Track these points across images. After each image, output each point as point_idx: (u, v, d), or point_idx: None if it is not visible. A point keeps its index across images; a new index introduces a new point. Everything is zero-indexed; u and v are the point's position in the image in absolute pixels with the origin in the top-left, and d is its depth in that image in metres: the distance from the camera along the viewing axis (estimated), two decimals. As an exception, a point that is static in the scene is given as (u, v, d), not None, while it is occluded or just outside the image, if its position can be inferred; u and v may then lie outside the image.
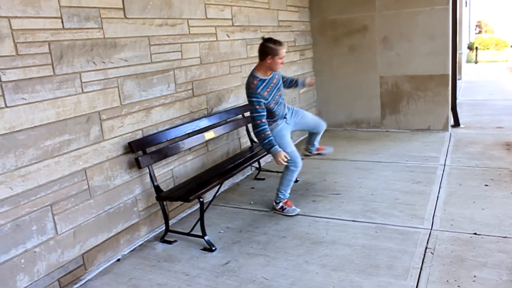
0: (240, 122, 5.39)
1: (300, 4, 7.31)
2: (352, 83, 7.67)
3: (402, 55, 7.29)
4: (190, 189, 3.97)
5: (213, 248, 3.82)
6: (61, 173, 3.34)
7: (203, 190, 3.85)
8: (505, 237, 3.62)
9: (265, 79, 4.12)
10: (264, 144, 4.11)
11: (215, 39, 5.07)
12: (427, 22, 6.98)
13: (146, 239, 4.17)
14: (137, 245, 4.07)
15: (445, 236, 3.72)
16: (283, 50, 4.05)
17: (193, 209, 4.73)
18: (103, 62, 3.65)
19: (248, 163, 4.77)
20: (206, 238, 3.89)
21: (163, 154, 4.15)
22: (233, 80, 5.44)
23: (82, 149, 3.51)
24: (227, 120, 5.22)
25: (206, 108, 4.97)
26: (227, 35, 5.29)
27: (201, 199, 3.82)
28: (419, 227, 3.91)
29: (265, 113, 4.09)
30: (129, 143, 3.85)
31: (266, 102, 4.09)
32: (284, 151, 4.10)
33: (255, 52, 5.80)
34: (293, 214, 4.40)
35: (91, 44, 3.52)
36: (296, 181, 5.33)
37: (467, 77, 15.67)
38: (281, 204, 4.47)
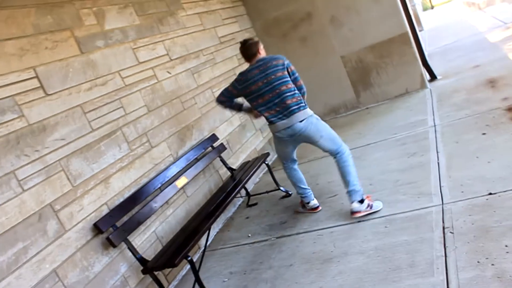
0: (212, 154, 5.02)
1: (236, 14, 6.98)
2: (315, 73, 7.32)
3: (355, 29, 6.96)
4: (175, 250, 3.58)
5: (221, 304, 3.43)
6: (28, 285, 2.95)
7: (187, 248, 3.45)
8: (523, 187, 3.25)
9: None
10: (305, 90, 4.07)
11: (156, 81, 4.70)
12: (367, -13, 6.67)
13: (150, 316, 3.78)
14: (142, 324, 3.68)
15: (460, 207, 3.34)
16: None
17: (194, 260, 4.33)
18: (37, 151, 3.27)
19: (232, 195, 4.40)
20: (209, 295, 3.51)
21: (136, 221, 3.76)
22: (190, 115, 5.07)
23: (43, 250, 3.12)
24: (198, 158, 4.84)
25: (171, 154, 4.59)
26: (168, 72, 4.92)
27: (189, 258, 3.43)
28: (429, 206, 3.54)
29: None
30: (95, 224, 3.47)
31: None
32: (334, 133, 3.97)
33: (204, 78, 5.51)
34: (381, 207, 3.80)
35: (15, 137, 3.16)
36: (289, 195, 4.96)
37: (429, 26, 15.41)
38: (365, 202, 3.77)
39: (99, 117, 3.88)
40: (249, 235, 4.47)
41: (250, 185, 5.79)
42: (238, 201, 5.45)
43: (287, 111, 3.79)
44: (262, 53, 4.02)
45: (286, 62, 3.87)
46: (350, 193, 3.80)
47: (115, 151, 3.94)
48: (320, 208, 4.29)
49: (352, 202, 3.78)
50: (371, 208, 3.76)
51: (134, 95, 4.34)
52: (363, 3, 6.77)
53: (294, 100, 3.80)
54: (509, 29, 9.03)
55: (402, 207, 3.70)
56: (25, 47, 3.44)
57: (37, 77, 3.45)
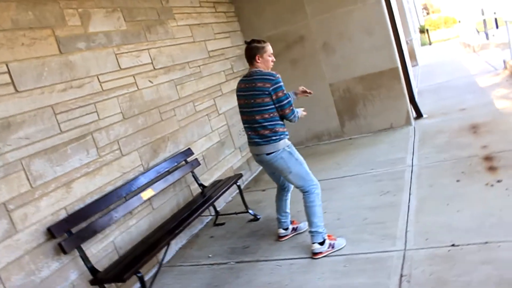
0: (185, 169, 4.93)
1: (229, 29, 6.95)
2: (302, 97, 7.25)
3: (346, 57, 6.96)
4: (128, 263, 3.48)
5: (169, 327, 3.33)
6: (-34, 286, 2.84)
7: (139, 264, 3.36)
8: (486, 242, 3.20)
9: None
10: (296, 116, 3.74)
11: (136, 89, 4.63)
12: (363, 18, 6.68)
13: (96, 328, 3.65)
14: (87, 338, 3.55)
15: (421, 255, 3.29)
16: (269, 47, 3.71)
17: (147, 277, 4.22)
18: (-3, 148, 3.17)
19: (198, 212, 4.32)
20: (158, 316, 3.40)
21: (93, 229, 3.66)
22: (167, 127, 4.99)
23: (-12, 250, 3.01)
24: (170, 171, 4.76)
25: (141, 164, 4.50)
26: (150, 81, 4.86)
27: (140, 274, 3.33)
28: (392, 250, 3.48)
29: None
30: (48, 228, 3.36)
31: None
32: (306, 172, 3.76)
33: (187, 91, 5.45)
34: (344, 245, 3.73)
35: (-25, 132, 3.06)
36: (257, 219, 4.89)
37: (424, 61, 15.53)
38: (326, 242, 3.69)
39: (70, 120, 3.79)
40: (210, 255, 4.38)
41: (221, 204, 5.70)
42: (206, 218, 5.35)
43: (257, 140, 3.68)
44: (260, 63, 3.64)
45: (274, 87, 3.49)
46: (312, 233, 3.71)
47: (82, 155, 3.85)
48: (284, 238, 4.20)
49: (314, 243, 3.70)
50: (332, 247, 3.68)
51: (110, 101, 4.26)
52: (357, 33, 6.77)
53: (266, 132, 3.59)
54: (498, 76, 9.10)
55: (365, 247, 3.64)
56: (0, 41, 3.36)
57: (8, 72, 3.37)
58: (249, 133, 3.74)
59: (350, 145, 6.92)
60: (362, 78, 6.96)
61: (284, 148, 3.65)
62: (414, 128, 6.81)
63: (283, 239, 4.20)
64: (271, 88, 3.50)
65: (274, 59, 3.73)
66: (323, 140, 7.50)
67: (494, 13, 18.29)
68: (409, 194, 4.42)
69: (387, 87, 6.87)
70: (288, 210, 4.18)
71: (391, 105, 6.94)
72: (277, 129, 3.60)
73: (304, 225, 4.19)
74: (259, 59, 3.62)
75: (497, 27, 17.03)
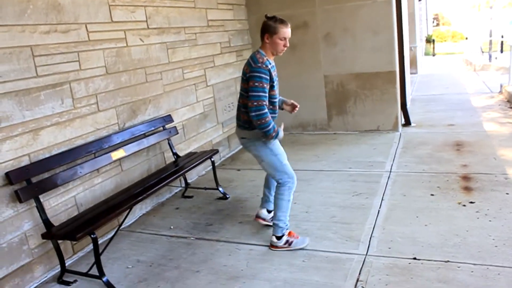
0: (162, 135, 4.81)
1: (234, 2, 6.76)
2: (296, 83, 7.17)
3: (346, 52, 6.84)
4: (84, 222, 3.37)
5: (113, 291, 3.25)
6: None
7: (94, 225, 3.25)
8: (447, 261, 3.16)
9: (271, 62, 3.40)
10: (269, 131, 3.33)
11: (125, 45, 4.46)
12: (370, 16, 6.55)
13: (42, 280, 3.56)
14: (30, 289, 3.46)
15: (381, 263, 3.24)
16: (284, 30, 3.32)
17: (105, 238, 4.12)
18: (-37, 80, 3.01)
19: (166, 181, 4.21)
20: (104, 279, 3.32)
21: (55, 181, 3.53)
22: (151, 89, 4.84)
23: None
24: (146, 134, 4.63)
25: (117, 123, 4.36)
26: (141, 39, 4.68)
27: (94, 236, 3.23)
28: (353, 253, 3.42)
29: (267, 96, 3.35)
30: (6, 173, 3.22)
31: (272, 85, 3.40)
32: (279, 163, 3.54)
33: (178, 57, 5.29)
34: (304, 245, 3.58)
35: None
36: (226, 197, 4.80)
37: (424, 71, 15.47)
38: (284, 237, 3.57)
39: (48, 65, 3.62)
40: (172, 227, 4.29)
41: (193, 176, 5.61)
42: (176, 189, 5.25)
43: (237, 122, 3.59)
44: (268, 43, 3.36)
45: (250, 74, 3.29)
46: (274, 225, 3.61)
47: (56, 104, 3.69)
48: (262, 221, 4.03)
49: (272, 236, 3.61)
50: (289, 245, 3.56)
51: (95, 53, 4.09)
52: (362, 30, 6.65)
53: (245, 117, 3.46)
54: (493, 98, 9.07)
55: (326, 245, 3.58)
56: (-14, -32, 3.17)
57: (-12, 2, 3.18)
58: (237, 113, 3.62)
59: (333, 140, 6.84)
60: (358, 76, 6.86)
61: (259, 137, 3.49)
62: (400, 134, 6.76)
63: (260, 221, 4.01)
64: (248, 74, 3.34)
65: (288, 45, 3.38)
66: (307, 130, 7.41)
67: (502, 36, 18.27)
68: (381, 200, 4.36)
69: (381, 89, 6.78)
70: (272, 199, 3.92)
71: (382, 107, 6.87)
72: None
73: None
74: (267, 39, 3.35)
75: (501, 50, 17.03)
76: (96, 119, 4.11)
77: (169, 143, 4.96)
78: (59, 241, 3.49)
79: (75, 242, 3.81)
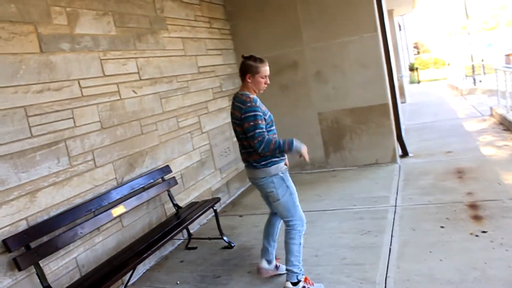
0: (161, 186, 4.69)
1: (223, 47, 6.80)
2: (289, 123, 7.13)
3: (338, 88, 6.85)
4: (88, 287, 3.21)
5: None
6: None
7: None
8: (470, 298, 3.03)
9: (257, 98, 3.38)
10: (282, 147, 3.22)
11: (118, 98, 4.41)
12: (359, 51, 6.61)
13: None
14: None
15: (401, 306, 3.10)
16: (265, 68, 3.36)
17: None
18: (-43, 147, 2.91)
19: (170, 235, 4.08)
20: None
21: (55, 245, 3.38)
22: (147, 141, 4.75)
23: None
24: (145, 187, 4.51)
25: (116, 178, 4.25)
26: (134, 91, 4.64)
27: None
28: (370, 297, 3.28)
29: (265, 131, 3.26)
30: (3, 241, 3.08)
31: (264, 118, 3.31)
32: (293, 204, 3.44)
33: (172, 106, 5.24)
34: None
35: None
36: (231, 246, 4.65)
37: (412, 99, 15.61)
38: (301, 284, 3.43)
39: (43, 124, 3.54)
40: (178, 282, 4.11)
41: (195, 226, 5.45)
42: (178, 241, 5.09)
43: (250, 163, 3.47)
44: (251, 83, 3.36)
45: (243, 117, 3.27)
46: (288, 271, 3.47)
47: (52, 163, 3.59)
48: (265, 274, 3.84)
49: (287, 282, 3.46)
50: None
51: (89, 108, 4.03)
52: (351, 65, 6.69)
53: (257, 157, 3.37)
54: (485, 121, 9.11)
55: (342, 290, 3.44)
56: (-23, 32, 3.13)
57: (-20, 66, 3.12)
58: (244, 156, 3.53)
59: (333, 177, 6.76)
60: (352, 111, 6.86)
61: (278, 173, 3.41)
62: (400, 166, 6.70)
63: (262, 273, 3.83)
64: (242, 116, 3.29)
65: (268, 82, 3.43)
66: (305, 170, 7.33)
67: (482, 60, 18.67)
68: (391, 237, 4.24)
69: (376, 122, 6.76)
70: (276, 239, 3.80)
71: (379, 141, 6.83)
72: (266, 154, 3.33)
73: (283, 267, 3.79)
74: (249, 79, 3.36)
75: (484, 73, 17.34)
76: (94, 176, 4.00)
77: (169, 194, 4.84)
78: (62, 309, 3.31)
79: (78, 308, 3.62)
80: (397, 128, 7.03)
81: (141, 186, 4.44)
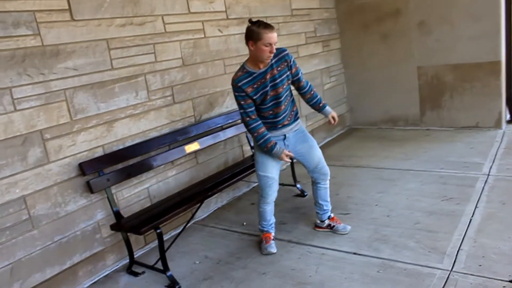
0: (241, 127, 4.68)
1: (321, -11, 6.46)
2: (386, 75, 6.72)
3: (442, 41, 6.24)
4: (153, 216, 3.36)
5: (177, 287, 3.20)
6: (-11, 202, 2.85)
7: (160, 220, 3.22)
8: (552, 286, 2.70)
9: (254, 73, 3.22)
10: (261, 145, 3.30)
11: (203, 36, 4.39)
12: (472, 1, 5.90)
13: (114, 269, 3.66)
14: (101, 276, 3.57)
15: (468, 282, 2.84)
16: (269, 35, 3.07)
17: (178, 230, 4.09)
18: (42, 74, 3.10)
19: (244, 174, 4.12)
20: (168, 274, 3.29)
21: (127, 173, 3.56)
22: (230, 81, 4.72)
23: (18, 174, 3.01)
24: (223, 127, 4.54)
25: (194, 115, 4.32)
26: (219, 30, 4.59)
27: (159, 231, 3.19)
28: (436, 267, 3.05)
29: (253, 109, 3.27)
30: (80, 164, 3.29)
31: (253, 99, 3.27)
32: (257, 171, 3.48)
33: (260, 47, 5.10)
34: (264, 253, 3.56)
35: (23, 54, 2.99)
36: (303, 195, 4.60)
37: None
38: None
39: (124, 57, 3.64)
40: (244, 223, 4.18)
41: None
42: (254, 183, 5.14)
43: None
44: (253, 50, 3.19)
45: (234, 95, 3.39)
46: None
47: (131, 96, 3.71)
48: (317, 228, 3.88)
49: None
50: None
51: (172, 44, 4.06)
52: (461, 17, 6.01)
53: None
54: None
55: (406, 256, 3.24)
56: (65, -35, 3.22)
57: (67, -2, 3.23)
58: None
59: (425, 136, 6.31)
60: (456, 67, 6.24)
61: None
62: (504, 132, 6.04)
63: (316, 228, 3.88)
64: None
65: (274, 51, 3.13)
66: (398, 125, 6.92)
67: None
68: (475, 207, 3.88)
69: (483, 81, 6.11)
70: (320, 201, 3.74)
71: (483, 102, 6.19)
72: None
73: (343, 227, 3.74)
74: (252, 46, 3.14)
75: None
76: (172, 111, 4.09)
77: (247, 136, 4.84)
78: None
79: (147, 234, 3.84)
80: (508, 90, 6.30)
81: (219, 125, 4.47)
